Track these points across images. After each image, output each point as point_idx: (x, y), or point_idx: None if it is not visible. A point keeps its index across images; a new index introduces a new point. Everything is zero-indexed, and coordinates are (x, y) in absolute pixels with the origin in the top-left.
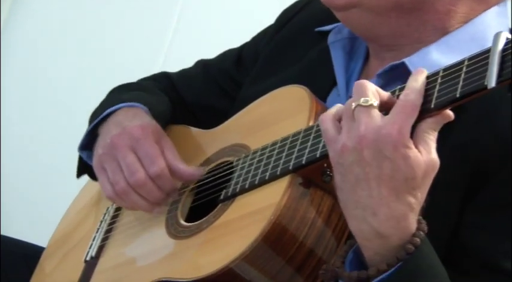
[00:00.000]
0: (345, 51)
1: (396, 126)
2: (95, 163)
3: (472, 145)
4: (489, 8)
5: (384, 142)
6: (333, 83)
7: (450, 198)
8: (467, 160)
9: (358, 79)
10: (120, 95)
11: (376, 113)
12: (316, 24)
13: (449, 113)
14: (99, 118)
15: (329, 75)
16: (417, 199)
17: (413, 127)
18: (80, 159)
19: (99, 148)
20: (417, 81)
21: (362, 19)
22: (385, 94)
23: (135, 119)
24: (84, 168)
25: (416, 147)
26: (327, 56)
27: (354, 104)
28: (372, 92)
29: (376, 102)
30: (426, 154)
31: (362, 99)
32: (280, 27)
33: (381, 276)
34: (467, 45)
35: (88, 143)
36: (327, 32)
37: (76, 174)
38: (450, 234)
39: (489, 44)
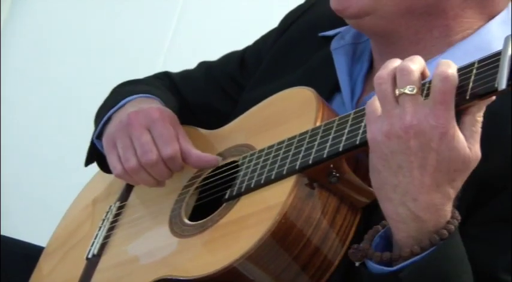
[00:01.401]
0: (348, 57)
1: (443, 116)
2: (106, 140)
3: (480, 158)
4: (494, 14)
5: (432, 134)
6: (334, 89)
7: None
8: (474, 173)
9: (364, 87)
10: (134, 87)
11: (421, 101)
12: (320, 28)
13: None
14: (118, 105)
15: (331, 81)
16: (455, 189)
17: (458, 117)
18: (90, 147)
19: (112, 127)
20: (449, 65)
21: (374, 26)
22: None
23: (153, 104)
24: (93, 157)
25: (466, 139)
26: (329, 62)
27: (397, 91)
28: (419, 80)
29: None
30: (472, 147)
31: (408, 88)
32: (284, 30)
33: (413, 258)
34: (474, 56)
35: (99, 133)
36: (331, 37)
37: (84, 163)
38: None
39: None
